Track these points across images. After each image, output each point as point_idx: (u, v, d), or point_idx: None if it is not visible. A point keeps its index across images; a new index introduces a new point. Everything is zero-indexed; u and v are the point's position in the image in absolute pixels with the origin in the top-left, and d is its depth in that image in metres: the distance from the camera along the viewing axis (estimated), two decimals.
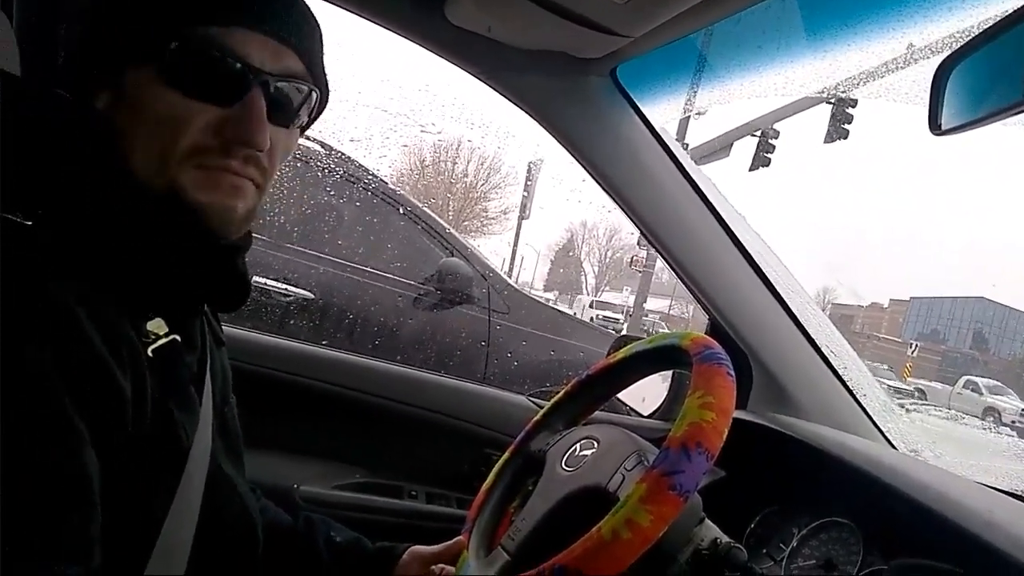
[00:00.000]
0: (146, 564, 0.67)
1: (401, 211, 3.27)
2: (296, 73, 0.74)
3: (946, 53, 0.80)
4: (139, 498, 0.66)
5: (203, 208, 0.70)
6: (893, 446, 1.41)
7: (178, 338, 0.72)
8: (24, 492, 0.53)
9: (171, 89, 0.68)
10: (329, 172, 2.94)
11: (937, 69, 0.78)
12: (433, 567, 1.01)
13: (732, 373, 0.82)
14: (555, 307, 4.37)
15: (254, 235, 0.83)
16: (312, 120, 0.83)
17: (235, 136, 0.70)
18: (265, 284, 2.67)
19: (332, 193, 3.04)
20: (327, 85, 0.81)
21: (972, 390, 22.61)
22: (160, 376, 0.67)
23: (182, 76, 0.68)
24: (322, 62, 0.79)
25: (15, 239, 0.59)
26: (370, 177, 3.15)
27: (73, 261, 0.61)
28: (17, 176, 0.63)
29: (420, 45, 1.31)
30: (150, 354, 0.66)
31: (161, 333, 0.69)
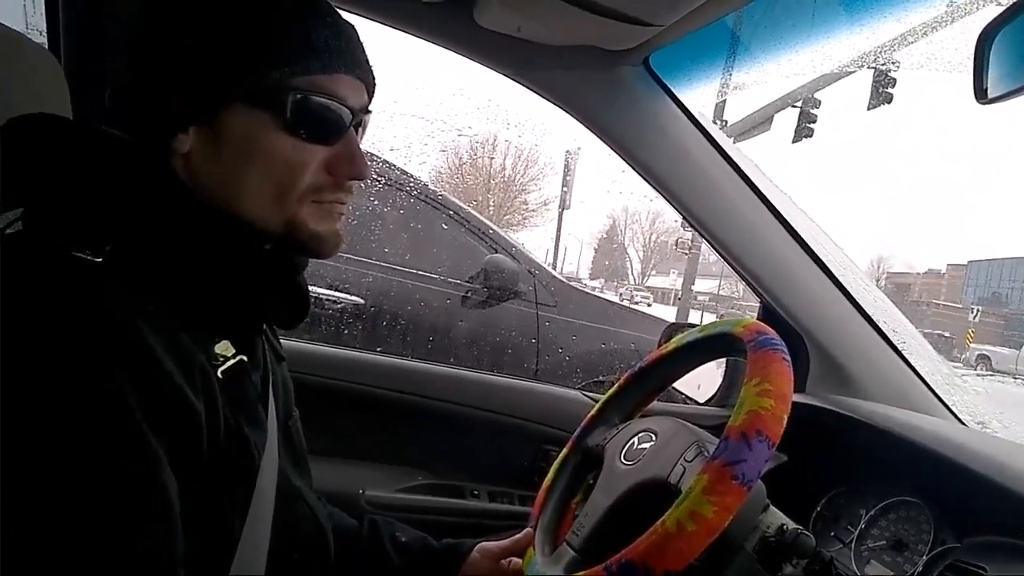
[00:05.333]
0: None
1: (444, 213, 3.29)
2: (366, 105, 0.80)
3: (990, 8, 0.78)
4: (216, 516, 0.69)
5: (321, 237, 0.77)
6: (960, 421, 1.37)
7: (245, 358, 0.74)
8: (109, 515, 0.56)
9: (289, 135, 0.72)
10: (373, 180, 2.98)
11: (979, 36, 0.76)
12: (503, 561, 1.03)
13: (788, 358, 0.81)
14: (602, 296, 4.34)
15: None
16: None
17: (348, 173, 0.77)
18: (317, 294, 2.72)
19: (376, 201, 3.08)
20: None
21: None
22: (230, 396, 0.69)
23: (302, 124, 0.72)
24: None
25: (87, 277, 0.62)
26: (413, 182, 3.18)
27: (144, 293, 0.64)
28: (83, 216, 0.66)
29: (451, 50, 1.32)
30: (220, 376, 0.69)
31: (229, 355, 0.72)
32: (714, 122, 1.42)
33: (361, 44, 0.79)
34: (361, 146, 0.80)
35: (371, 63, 0.80)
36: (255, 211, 0.73)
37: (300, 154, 0.73)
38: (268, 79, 0.70)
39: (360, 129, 0.80)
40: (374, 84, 0.81)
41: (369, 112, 0.81)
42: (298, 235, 0.75)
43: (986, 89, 0.78)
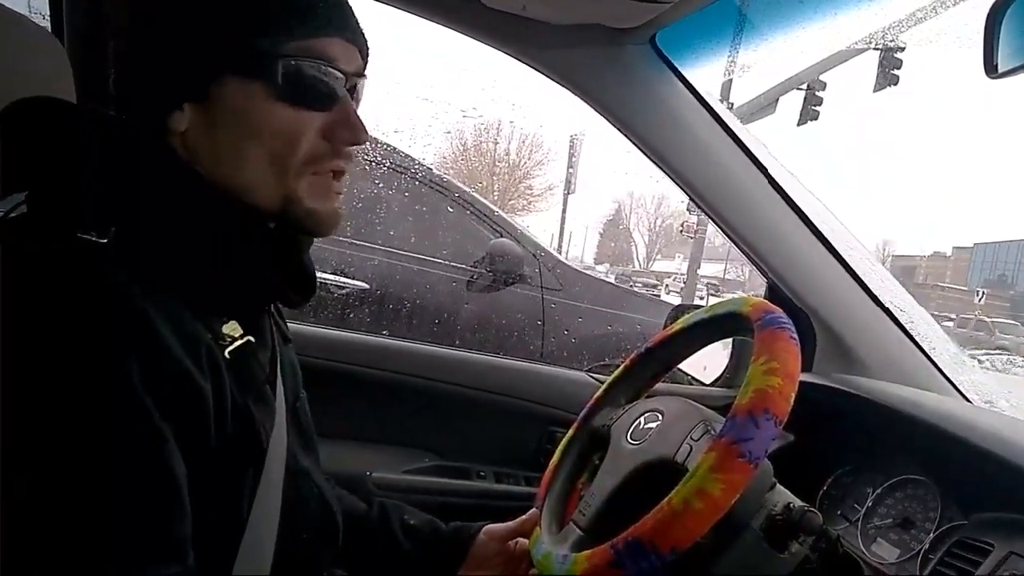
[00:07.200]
0: (234, 560, 0.70)
1: (448, 197, 3.28)
2: (360, 69, 0.78)
3: None
4: (225, 497, 0.69)
5: (317, 214, 0.76)
6: (967, 399, 1.37)
7: (252, 339, 0.74)
8: (117, 497, 0.57)
9: (283, 103, 0.71)
10: (376, 164, 2.96)
11: (990, 11, 0.75)
12: (510, 543, 1.03)
13: (795, 337, 0.81)
14: (607, 280, 4.34)
15: None
16: None
17: (346, 138, 0.75)
18: (322, 279, 2.70)
19: (380, 185, 3.07)
20: None
21: None
22: (238, 377, 0.69)
23: (295, 91, 0.71)
24: None
25: (92, 258, 0.62)
26: (416, 166, 3.17)
27: (150, 274, 0.63)
28: (87, 198, 0.66)
29: (456, 30, 1.31)
30: (227, 356, 0.69)
31: (236, 335, 0.72)
32: (720, 102, 1.41)
33: (349, 7, 0.77)
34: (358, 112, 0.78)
35: (361, 26, 0.79)
36: (253, 186, 0.72)
37: (295, 122, 0.72)
38: (257, 47, 0.69)
39: (355, 94, 0.78)
40: (367, 48, 0.79)
41: (364, 76, 0.79)
42: (294, 211, 0.74)
43: (996, 64, 0.78)
